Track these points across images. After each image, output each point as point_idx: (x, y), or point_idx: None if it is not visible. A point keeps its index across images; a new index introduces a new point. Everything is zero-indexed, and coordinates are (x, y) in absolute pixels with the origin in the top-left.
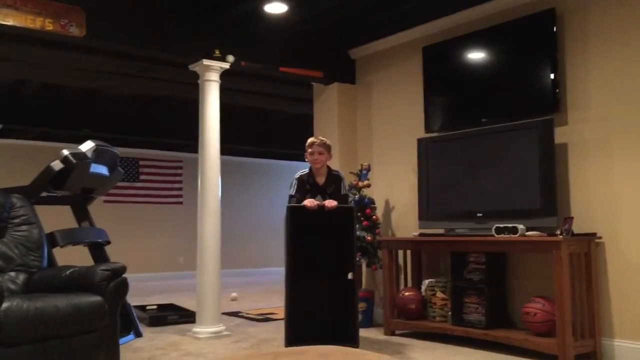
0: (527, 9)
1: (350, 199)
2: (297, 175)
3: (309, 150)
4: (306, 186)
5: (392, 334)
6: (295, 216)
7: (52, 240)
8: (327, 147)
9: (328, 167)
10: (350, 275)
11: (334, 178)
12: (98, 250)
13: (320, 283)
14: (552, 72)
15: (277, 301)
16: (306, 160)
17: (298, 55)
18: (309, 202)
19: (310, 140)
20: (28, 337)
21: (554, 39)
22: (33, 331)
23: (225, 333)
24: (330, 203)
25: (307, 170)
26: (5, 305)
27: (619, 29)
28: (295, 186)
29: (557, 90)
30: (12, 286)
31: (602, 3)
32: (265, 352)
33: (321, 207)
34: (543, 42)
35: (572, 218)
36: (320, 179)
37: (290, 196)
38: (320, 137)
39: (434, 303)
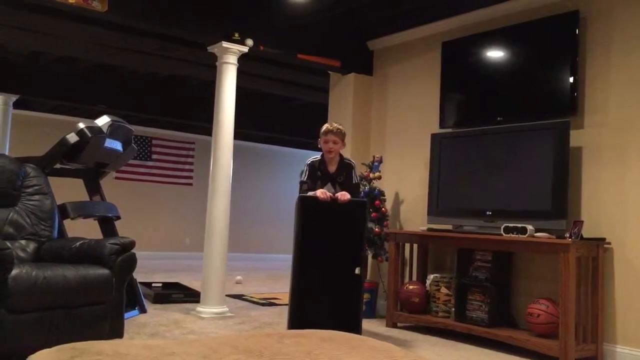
0: (550, 9)
1: (361, 189)
2: (309, 161)
3: (324, 138)
4: (317, 173)
5: (394, 326)
6: (307, 206)
7: (64, 211)
8: (343, 136)
9: (340, 155)
10: (357, 270)
11: (345, 166)
12: (108, 225)
13: (327, 273)
14: (571, 75)
15: (281, 287)
16: (319, 146)
17: (316, 44)
18: (320, 193)
19: (325, 126)
20: (35, 305)
21: (575, 42)
22: (40, 299)
23: (229, 314)
24: (344, 196)
25: (318, 157)
26: (14, 272)
27: None
28: (307, 172)
29: (576, 93)
30: (22, 254)
31: (627, 8)
32: (270, 333)
33: (334, 199)
34: (564, 43)
35: (582, 222)
36: (332, 167)
37: (302, 182)
38: (336, 125)
39: (438, 298)
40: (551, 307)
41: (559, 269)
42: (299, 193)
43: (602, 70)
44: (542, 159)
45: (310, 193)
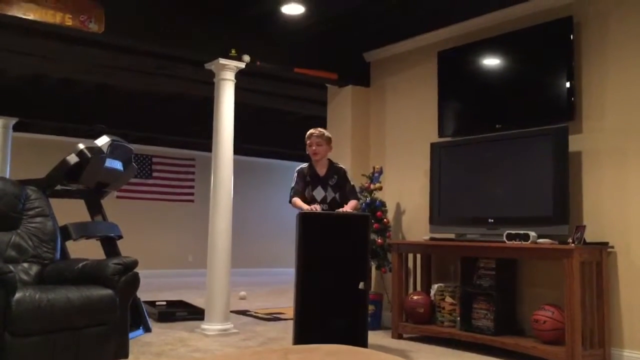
0: (544, 16)
1: (359, 196)
2: (298, 168)
3: (308, 142)
4: (306, 178)
5: (400, 337)
6: (307, 222)
7: (66, 233)
8: (326, 139)
9: (330, 160)
10: (361, 285)
11: (336, 170)
12: (110, 245)
13: (331, 289)
14: (568, 80)
15: (286, 301)
16: (307, 152)
17: (313, 57)
18: (308, 207)
19: (309, 132)
20: (39, 327)
21: (570, 47)
22: (44, 322)
23: (234, 331)
24: (346, 209)
25: (307, 163)
26: (17, 295)
27: (637, 38)
28: (295, 179)
29: (573, 99)
30: (25, 277)
31: (620, 12)
32: (274, 349)
33: (335, 214)
34: (559, 49)
35: (584, 226)
36: (321, 171)
37: (291, 188)
38: (319, 129)
39: (443, 308)
40: (557, 313)
41: (563, 275)
42: (289, 199)
43: (598, 74)
44: (542, 165)
45: (301, 205)
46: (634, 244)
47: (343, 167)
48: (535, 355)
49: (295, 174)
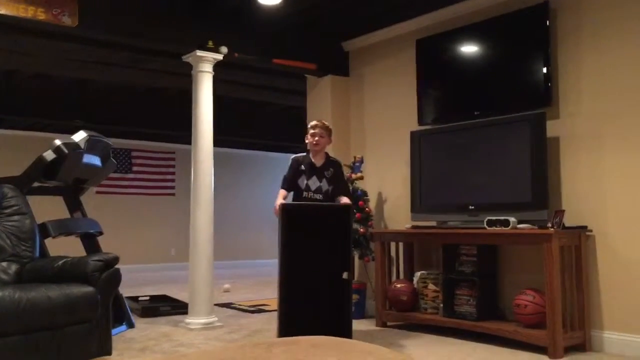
0: (521, 2)
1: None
2: (293, 156)
3: (311, 131)
4: (300, 167)
5: (384, 325)
6: (289, 213)
7: (44, 230)
8: (328, 131)
9: (326, 152)
10: (344, 275)
11: (332, 163)
12: (90, 241)
13: (314, 279)
14: (544, 66)
15: (269, 293)
16: (306, 141)
17: (291, 48)
18: (282, 202)
19: (313, 122)
20: (20, 327)
21: (546, 33)
22: (25, 321)
23: (218, 324)
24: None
25: (304, 153)
26: None
27: (612, 23)
28: (290, 166)
29: (550, 84)
30: (4, 276)
31: None
32: (258, 342)
33: (317, 206)
34: (536, 36)
35: (564, 211)
36: (318, 161)
37: (283, 176)
38: (322, 120)
39: (426, 295)
40: (537, 297)
41: (543, 259)
42: (281, 185)
43: (574, 60)
44: (521, 151)
45: (278, 199)
46: (611, 227)
47: (338, 160)
48: (517, 340)
49: (290, 162)
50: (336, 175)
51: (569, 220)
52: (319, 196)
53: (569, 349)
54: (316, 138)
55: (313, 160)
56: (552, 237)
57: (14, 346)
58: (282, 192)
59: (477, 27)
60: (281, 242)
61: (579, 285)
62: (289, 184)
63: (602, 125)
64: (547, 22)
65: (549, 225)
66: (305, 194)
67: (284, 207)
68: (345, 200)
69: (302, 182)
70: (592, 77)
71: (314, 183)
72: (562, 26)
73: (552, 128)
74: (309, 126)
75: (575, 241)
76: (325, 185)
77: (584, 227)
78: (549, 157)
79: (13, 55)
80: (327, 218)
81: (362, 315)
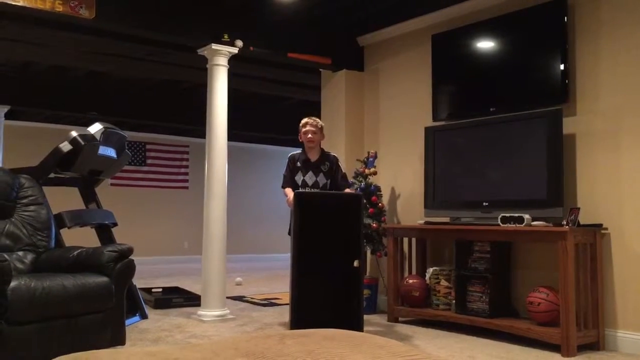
0: None
1: (351, 182)
2: (289, 155)
3: (304, 129)
4: (297, 164)
5: (396, 320)
6: (302, 202)
7: (60, 221)
8: (320, 128)
9: (322, 148)
10: (355, 263)
11: (327, 157)
12: (105, 232)
13: (326, 269)
14: (562, 63)
15: (281, 287)
16: (300, 139)
17: (306, 42)
18: (292, 195)
19: (304, 120)
20: (35, 316)
21: (564, 29)
22: (40, 310)
23: (230, 317)
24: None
25: (299, 150)
26: (13, 284)
27: (631, 20)
28: (287, 165)
29: (567, 81)
30: (20, 265)
31: None
32: (271, 334)
33: (329, 194)
34: (553, 31)
35: (579, 209)
36: (313, 157)
37: (283, 175)
38: (313, 118)
39: (438, 291)
40: (551, 295)
41: (557, 257)
42: (282, 185)
43: (592, 57)
44: (537, 148)
45: (287, 193)
46: (627, 225)
47: (335, 154)
48: (530, 337)
49: (287, 161)
50: (333, 169)
51: (584, 218)
52: (316, 191)
53: (583, 348)
54: (309, 135)
55: (308, 156)
56: (567, 235)
57: (29, 335)
58: (288, 189)
59: (493, 22)
60: (294, 229)
61: (594, 284)
62: (288, 181)
63: (619, 123)
64: (565, 18)
65: (564, 222)
66: (302, 189)
67: (297, 195)
68: (349, 192)
69: (299, 178)
70: (610, 74)
71: (310, 178)
72: (579, 22)
73: (569, 125)
74: (301, 125)
75: (590, 239)
76: (322, 180)
77: (600, 225)
78: (565, 154)
79: (30, 47)
80: (339, 206)
81: (374, 310)
